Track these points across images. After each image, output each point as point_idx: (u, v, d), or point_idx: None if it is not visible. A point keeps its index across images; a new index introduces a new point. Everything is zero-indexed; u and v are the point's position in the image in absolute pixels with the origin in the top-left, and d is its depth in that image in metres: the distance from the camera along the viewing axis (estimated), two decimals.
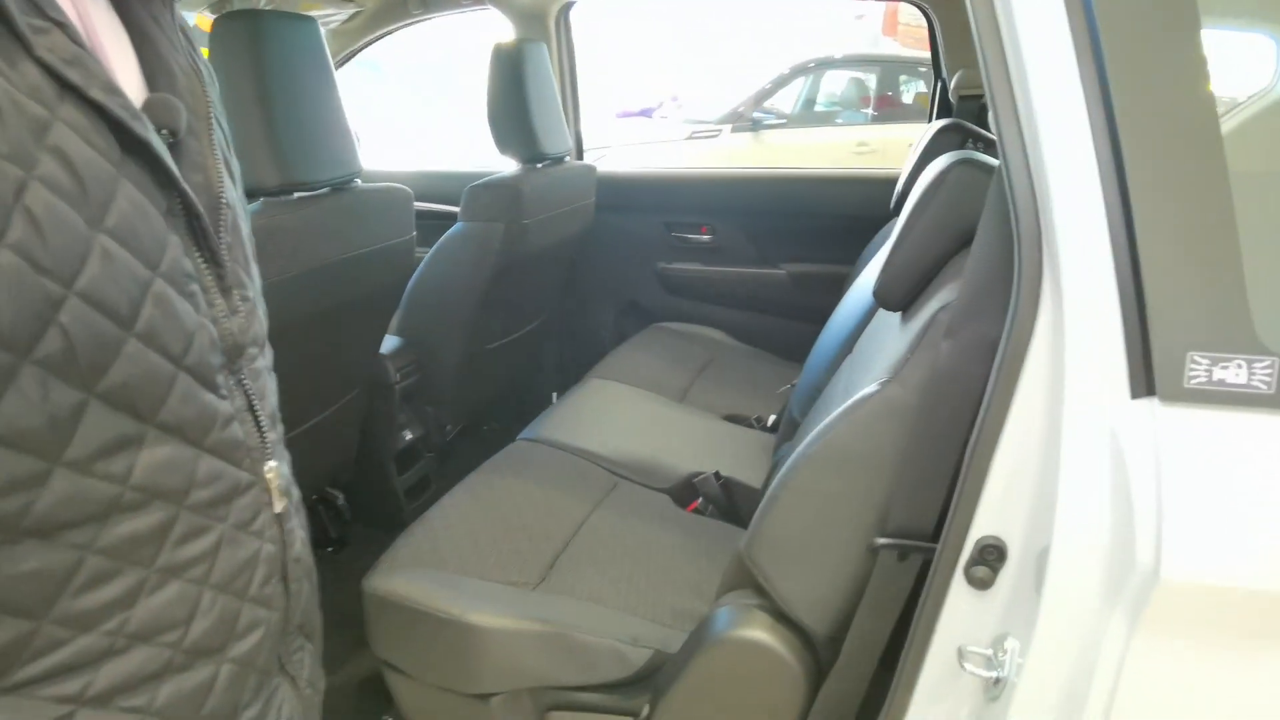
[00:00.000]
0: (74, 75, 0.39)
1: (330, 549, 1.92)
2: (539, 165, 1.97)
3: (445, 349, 1.95)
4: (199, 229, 0.47)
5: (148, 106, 0.47)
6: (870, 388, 0.90)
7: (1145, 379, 0.65)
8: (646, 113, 6.81)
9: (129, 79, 0.48)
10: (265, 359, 0.57)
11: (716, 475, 1.56)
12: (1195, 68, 0.64)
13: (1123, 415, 0.65)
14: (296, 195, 1.32)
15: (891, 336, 1.06)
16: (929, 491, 0.84)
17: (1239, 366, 0.63)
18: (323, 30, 2.29)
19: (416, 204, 2.48)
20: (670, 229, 2.43)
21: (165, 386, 0.45)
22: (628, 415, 1.81)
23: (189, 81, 0.52)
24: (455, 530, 1.31)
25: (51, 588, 0.43)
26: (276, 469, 0.56)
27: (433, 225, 2.09)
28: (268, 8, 2.01)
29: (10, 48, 0.37)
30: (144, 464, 0.44)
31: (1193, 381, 0.63)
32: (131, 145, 0.42)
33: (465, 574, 1.22)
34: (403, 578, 1.19)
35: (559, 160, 2.05)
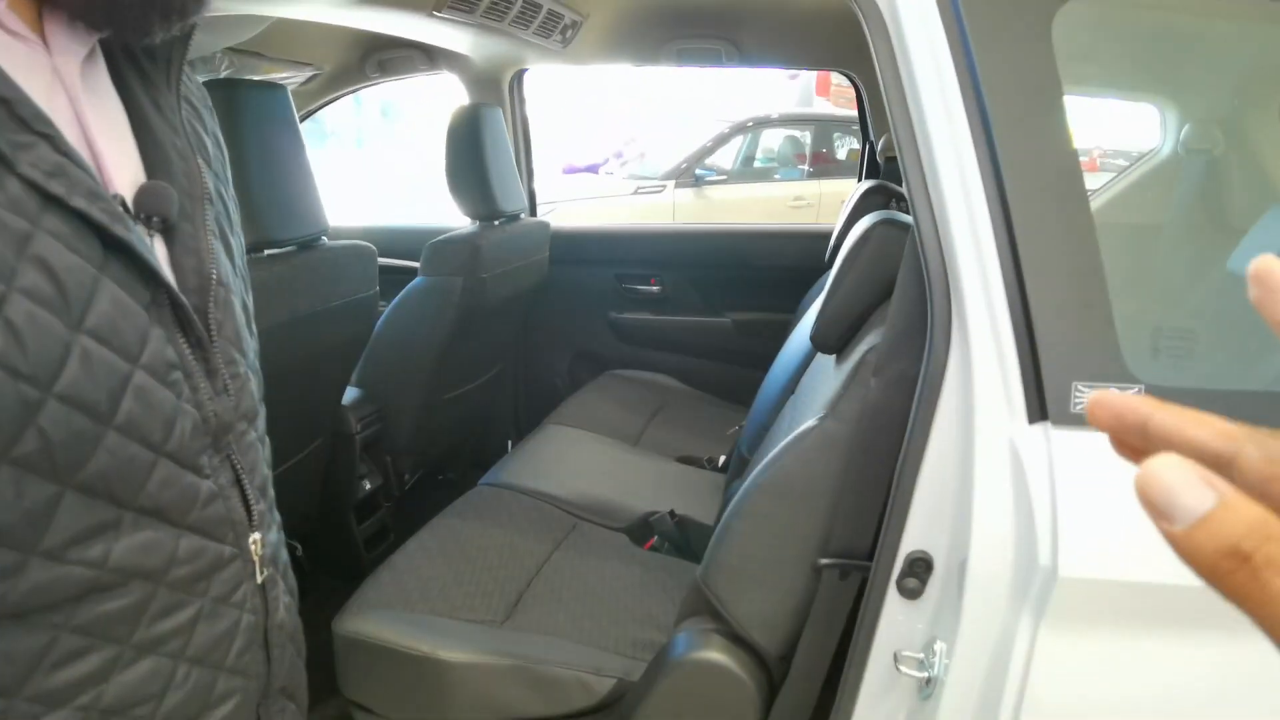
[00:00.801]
0: (56, 186, 0.40)
1: (288, 597, 1.93)
2: (496, 222, 2.06)
3: (405, 399, 2.00)
4: (183, 317, 0.48)
5: (140, 194, 0.49)
6: (810, 422, 1.00)
7: (1039, 405, 0.76)
8: (592, 168, 6.99)
9: (126, 166, 0.50)
10: (257, 430, 0.58)
11: (671, 514, 1.63)
12: (1060, 135, 0.76)
13: (1022, 437, 0.76)
14: (267, 253, 1.39)
15: (828, 376, 1.16)
16: (865, 513, 0.93)
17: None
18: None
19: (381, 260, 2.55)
20: (621, 280, 2.54)
21: (145, 473, 0.46)
22: (584, 459, 1.88)
23: (185, 164, 0.53)
24: (421, 572, 1.36)
25: (24, 667, 0.43)
26: (261, 539, 0.56)
27: (391, 280, 2.16)
28: (226, 72, 2.08)
29: None
30: (122, 548, 0.45)
31: (1077, 406, 0.75)
32: (114, 244, 0.43)
33: (433, 613, 1.27)
34: (372, 618, 1.24)
35: (514, 217, 2.15)
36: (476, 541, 1.47)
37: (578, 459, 1.88)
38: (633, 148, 6.96)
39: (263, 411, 0.61)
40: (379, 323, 1.96)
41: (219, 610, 0.53)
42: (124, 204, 0.48)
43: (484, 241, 1.95)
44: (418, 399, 2.01)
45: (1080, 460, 0.74)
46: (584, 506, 1.67)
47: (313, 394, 1.67)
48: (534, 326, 2.52)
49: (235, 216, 0.63)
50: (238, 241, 0.61)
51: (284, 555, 0.63)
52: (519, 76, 2.35)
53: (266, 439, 0.62)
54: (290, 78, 2.31)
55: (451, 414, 2.18)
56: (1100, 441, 0.22)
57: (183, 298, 0.48)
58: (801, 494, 0.98)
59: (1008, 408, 0.77)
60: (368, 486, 1.99)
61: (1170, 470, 0.19)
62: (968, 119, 0.77)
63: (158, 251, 0.50)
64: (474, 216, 2.04)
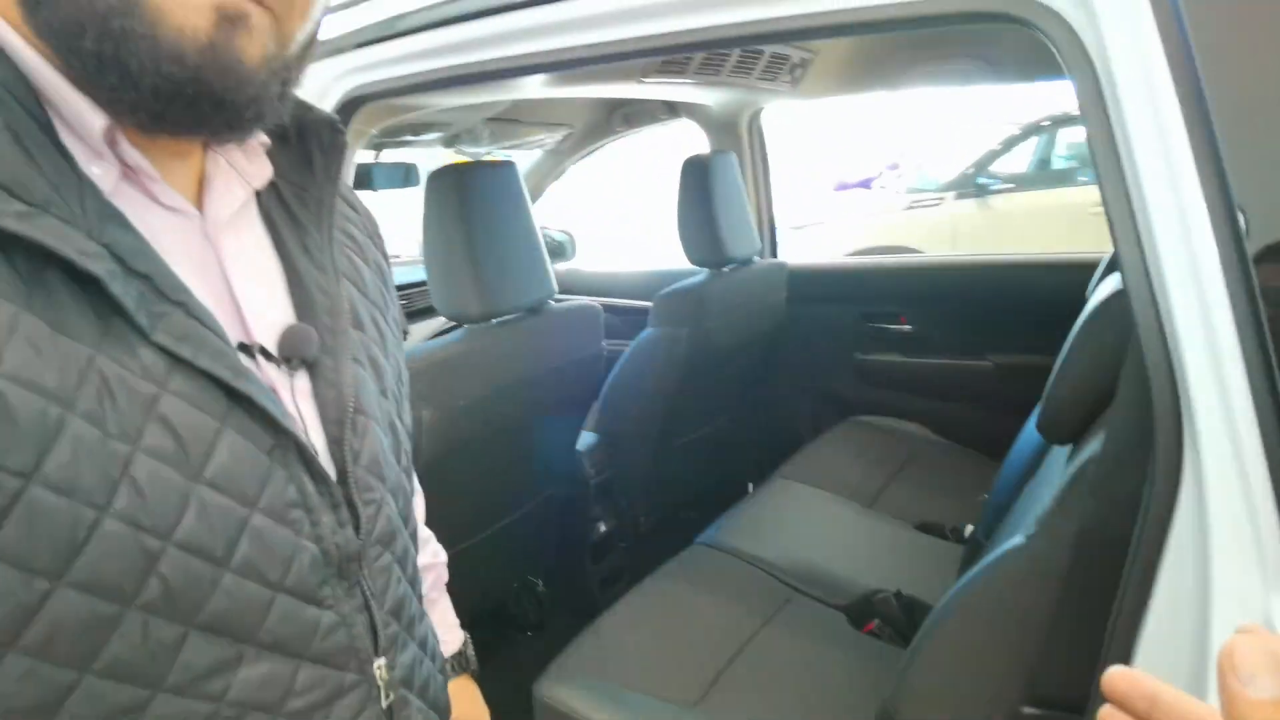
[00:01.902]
0: (184, 350, 0.44)
1: (530, 633, 2.05)
2: (725, 269, 2.04)
3: (638, 445, 2.04)
4: (306, 458, 0.50)
5: (284, 337, 0.53)
6: (1018, 539, 0.85)
7: None
8: (865, 184, 6.71)
9: (271, 310, 0.54)
10: (394, 551, 0.58)
11: (898, 595, 1.49)
12: None
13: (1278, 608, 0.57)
14: (495, 321, 1.48)
15: (1057, 472, 0.98)
16: (1077, 658, 0.77)
17: None
18: (539, 151, 2.55)
19: (614, 300, 2.65)
20: (867, 319, 2.38)
21: (263, 610, 0.47)
22: (810, 521, 1.79)
23: (330, 301, 0.56)
24: (623, 639, 1.37)
25: None
26: (389, 663, 0.56)
27: (634, 321, 2.23)
28: (488, 144, 2.28)
29: (129, 337, 0.43)
30: (241, 681, 0.47)
31: None
32: (238, 397, 0.46)
33: (628, 686, 1.27)
34: (567, 686, 1.26)
35: (747, 262, 2.11)
36: (682, 609, 1.45)
37: (803, 521, 1.79)
38: (909, 159, 6.58)
39: (407, 529, 0.62)
40: (613, 371, 2.02)
41: None
42: (263, 350, 0.52)
43: (710, 291, 1.93)
44: (650, 445, 2.04)
45: None
46: (802, 577, 1.58)
47: (544, 445, 1.76)
48: (774, 368, 2.45)
49: (393, 336, 0.67)
50: (393, 362, 0.65)
51: (427, 667, 0.63)
52: (755, 117, 2.31)
53: (411, 554, 0.63)
54: (545, 139, 2.48)
55: (686, 458, 2.18)
56: None
57: (305, 440, 0.50)
58: (1003, 624, 0.84)
59: (1260, 571, 0.59)
60: (603, 529, 2.06)
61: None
62: (1197, 170, 0.60)
63: (300, 385, 0.54)
64: (702, 264, 2.03)
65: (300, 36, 0.50)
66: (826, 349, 2.44)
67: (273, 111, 0.49)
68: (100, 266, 0.41)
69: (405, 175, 2.28)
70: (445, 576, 0.86)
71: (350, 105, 1.16)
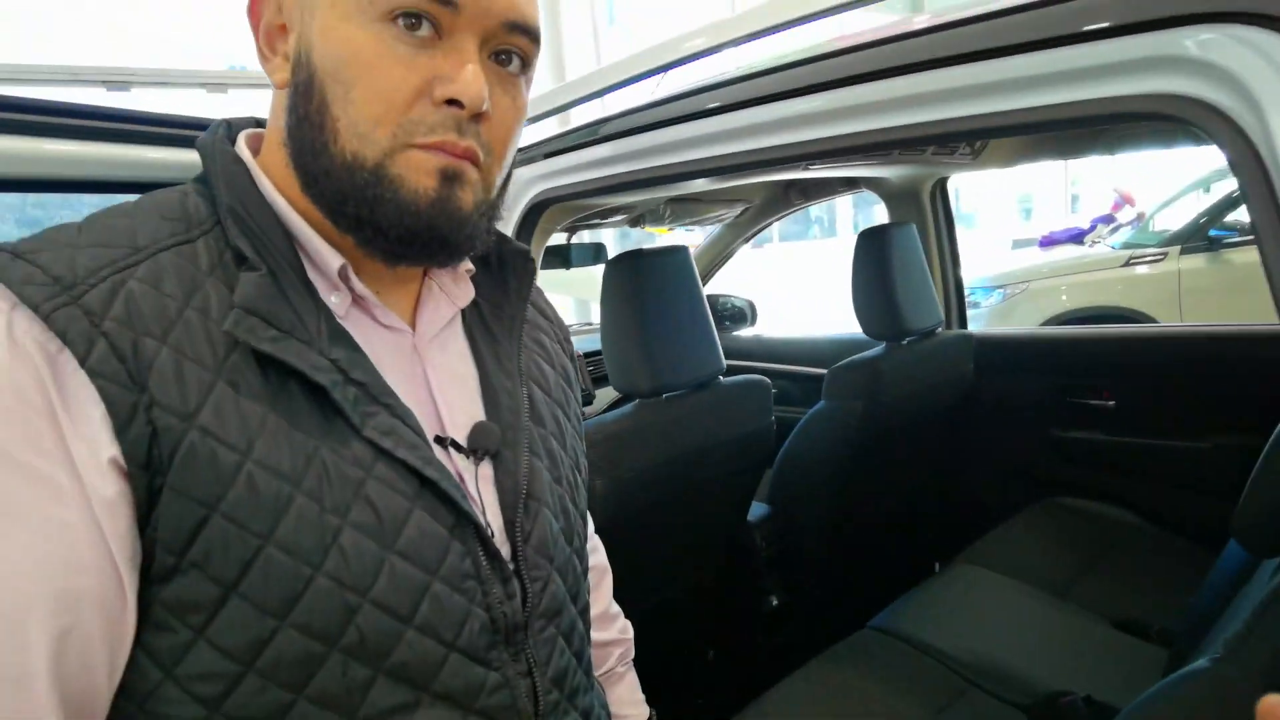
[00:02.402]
0: (387, 443, 0.55)
1: (700, 700, 2.07)
2: (904, 341, 2.00)
3: (811, 519, 2.03)
4: (481, 536, 0.59)
5: (472, 433, 0.63)
6: (1203, 662, 0.78)
7: None
8: (1077, 236, 6.26)
9: (465, 410, 0.64)
10: (558, 626, 0.65)
11: (1087, 699, 1.37)
12: None
13: None
14: (665, 396, 1.56)
15: (1259, 586, 0.89)
16: None
17: None
18: (718, 225, 2.64)
19: (793, 368, 2.66)
20: (1065, 393, 2.23)
21: (438, 664, 0.56)
22: (993, 610, 1.69)
23: (513, 402, 0.67)
24: None
25: None
26: None
27: (813, 388, 2.23)
28: (669, 222, 2.40)
29: (344, 431, 0.54)
30: None
31: None
32: (427, 482, 0.56)
33: None
34: None
35: (928, 334, 2.05)
36: (850, 696, 1.42)
37: (985, 610, 1.69)
38: (1128, 210, 6.07)
39: (576, 606, 0.69)
40: (787, 442, 2.03)
41: None
42: (454, 442, 0.62)
43: (887, 364, 1.90)
44: (825, 519, 2.02)
45: None
46: (981, 671, 1.50)
47: (713, 517, 1.80)
48: (960, 444, 2.34)
49: (573, 430, 0.76)
50: (570, 452, 0.74)
51: None
52: (940, 185, 2.27)
53: (579, 629, 0.70)
54: (724, 214, 2.57)
55: (863, 534, 2.13)
56: None
57: (482, 520, 0.60)
58: None
59: None
60: (774, 602, 2.05)
61: None
62: None
63: (484, 473, 0.64)
64: (879, 338, 2.00)
65: (500, 179, 0.62)
66: (1019, 424, 2.31)
67: (482, 242, 0.61)
68: (326, 378, 0.54)
69: (595, 254, 2.47)
70: (632, 652, 0.92)
71: (539, 207, 1.30)
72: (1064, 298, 5.17)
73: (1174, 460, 2.05)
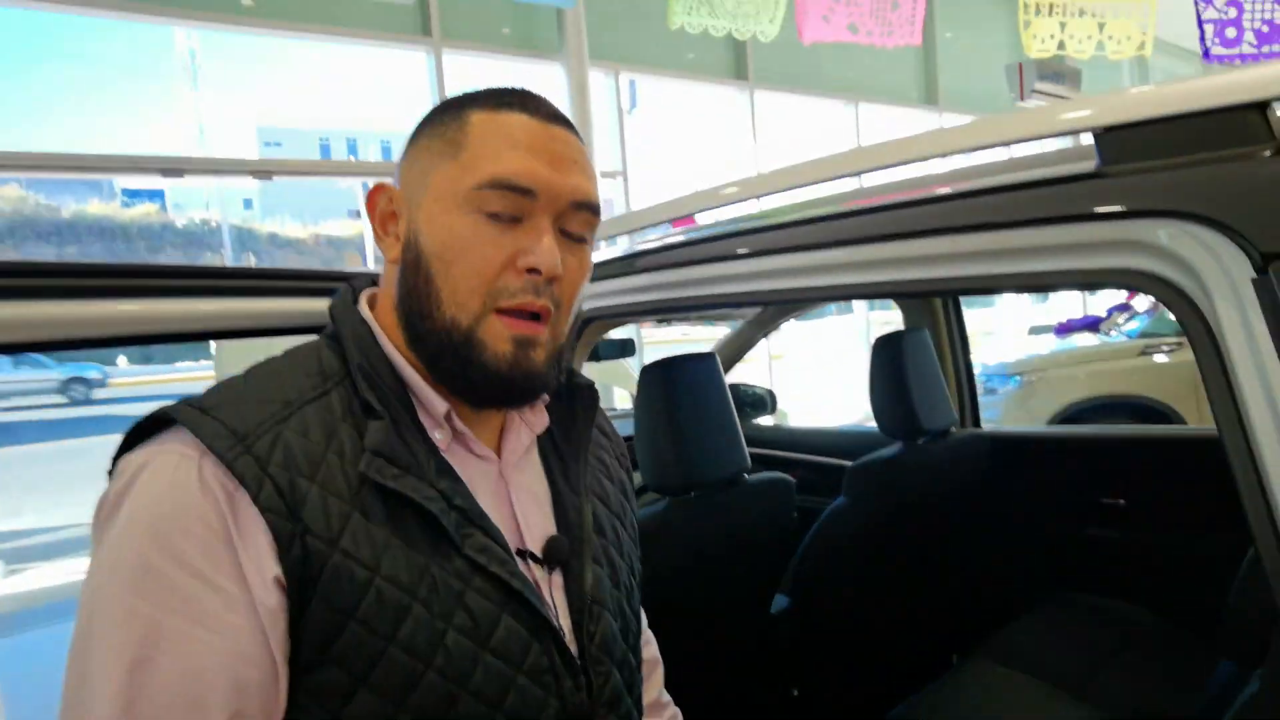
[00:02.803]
0: (482, 559, 0.66)
1: None
2: (920, 440, 2.10)
3: (832, 611, 2.09)
4: (556, 636, 0.70)
5: (546, 546, 0.74)
6: None
7: None
8: (1093, 324, 6.35)
9: (540, 525, 0.76)
10: (617, 713, 0.75)
11: None
12: None
13: None
14: (693, 493, 1.66)
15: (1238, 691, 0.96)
16: None
17: None
18: (740, 321, 2.77)
19: (809, 457, 2.74)
20: (1077, 490, 2.30)
21: None
22: (1009, 708, 1.73)
23: (579, 517, 0.78)
24: None
25: None
26: None
27: (835, 478, 2.31)
28: (696, 319, 2.53)
29: (449, 550, 0.66)
30: None
31: None
32: (513, 592, 0.67)
33: None
34: None
35: (943, 433, 2.15)
36: None
37: (1001, 707, 1.74)
38: (1142, 299, 6.17)
39: (631, 696, 0.80)
40: (807, 536, 2.11)
41: None
42: (533, 554, 0.74)
43: (903, 463, 1.99)
44: (844, 612, 2.08)
45: None
46: None
47: (737, 610, 1.87)
48: (976, 540, 2.41)
49: (627, 537, 0.87)
50: (626, 559, 0.85)
51: None
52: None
53: (634, 717, 0.80)
54: (747, 312, 2.71)
55: (882, 627, 2.18)
56: None
57: (556, 623, 0.71)
58: None
59: None
60: (795, 694, 2.10)
61: None
62: None
63: (556, 580, 0.75)
64: (895, 437, 2.10)
65: (567, 326, 0.76)
66: (1032, 520, 2.37)
67: (553, 383, 0.75)
68: (435, 506, 0.65)
69: (622, 348, 2.62)
70: None
71: (585, 322, 1.43)
72: (1080, 386, 5.24)
73: (1181, 558, 2.10)
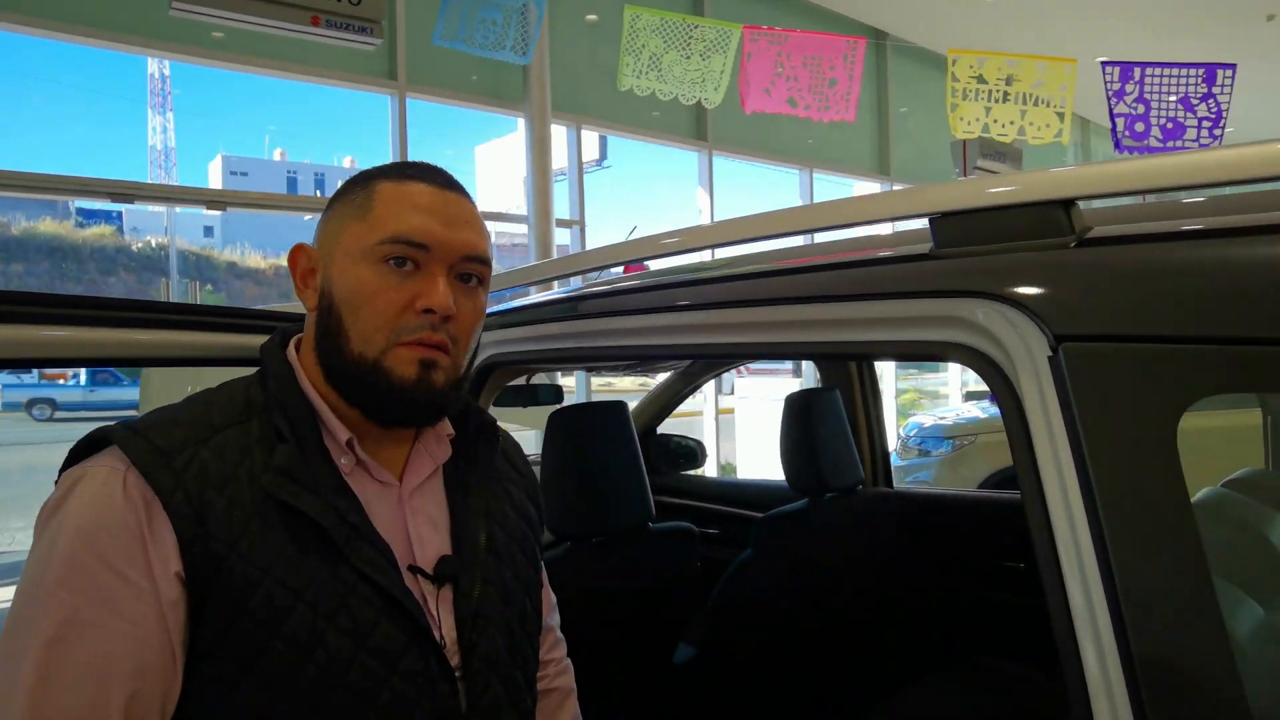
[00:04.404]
0: (367, 569, 0.74)
1: None
2: (826, 496, 2.16)
3: (736, 664, 2.12)
4: (433, 645, 0.77)
5: (438, 564, 0.81)
6: None
7: None
8: None
9: (434, 545, 0.83)
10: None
11: None
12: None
13: None
14: (595, 540, 1.69)
15: None
16: None
17: None
18: (669, 373, 2.83)
19: (717, 506, 2.79)
20: (986, 553, 2.38)
21: None
22: None
23: (472, 539, 0.85)
24: None
25: None
26: None
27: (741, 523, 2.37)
28: (624, 371, 2.59)
29: (336, 559, 0.74)
30: None
31: None
32: (395, 601, 0.75)
33: None
34: None
35: (849, 491, 2.22)
36: None
37: None
38: None
39: (516, 710, 0.85)
40: (716, 587, 2.15)
41: None
42: (423, 570, 0.81)
43: (808, 517, 2.05)
44: (749, 664, 2.11)
45: None
46: None
47: (639, 660, 1.89)
48: (883, 599, 2.46)
49: (525, 562, 0.93)
50: (520, 583, 0.91)
51: None
52: None
53: None
54: (674, 365, 2.78)
55: (787, 682, 2.21)
56: None
57: (437, 633, 0.78)
58: None
59: None
60: None
61: None
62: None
63: (444, 595, 0.82)
64: (803, 492, 2.16)
65: (465, 360, 0.85)
66: (938, 582, 2.44)
67: (453, 407, 0.86)
68: (328, 521, 0.74)
69: (556, 395, 2.67)
70: None
71: (489, 369, 1.48)
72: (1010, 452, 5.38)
73: None
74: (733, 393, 7.99)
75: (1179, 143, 4.33)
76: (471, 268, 0.82)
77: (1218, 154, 0.78)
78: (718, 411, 7.58)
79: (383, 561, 0.76)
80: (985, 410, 6.27)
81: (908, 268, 0.93)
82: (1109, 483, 0.72)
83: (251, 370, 0.86)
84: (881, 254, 0.97)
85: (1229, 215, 0.80)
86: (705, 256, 1.38)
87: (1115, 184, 0.83)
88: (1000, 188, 0.89)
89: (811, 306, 0.98)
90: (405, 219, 0.78)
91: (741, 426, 7.68)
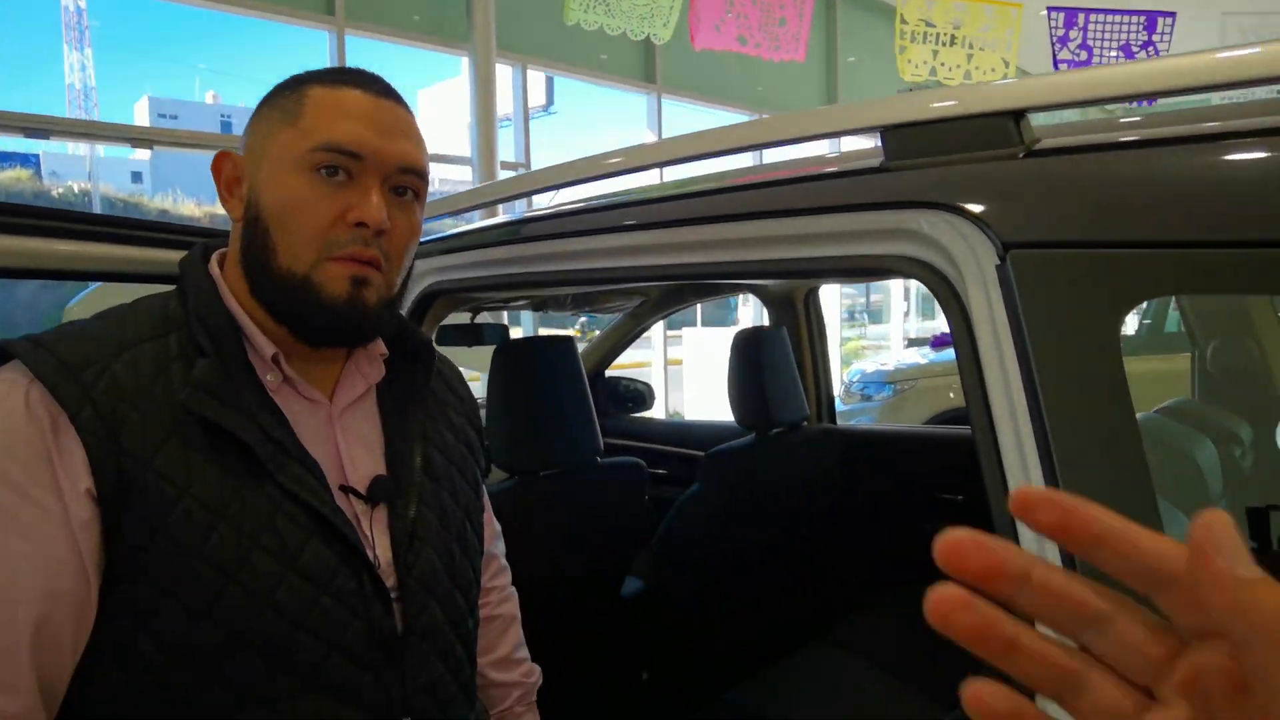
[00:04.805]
0: (294, 487, 0.71)
1: None
2: (772, 432, 2.18)
3: (682, 596, 2.15)
4: (367, 564, 0.74)
5: (371, 484, 0.79)
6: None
7: None
8: None
9: (367, 465, 0.80)
10: (434, 645, 0.79)
11: None
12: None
13: None
14: (543, 474, 1.68)
15: None
16: None
17: None
18: (618, 314, 2.81)
19: (665, 447, 2.81)
20: (919, 487, 2.44)
21: (323, 661, 0.71)
22: (842, 691, 1.83)
23: (407, 461, 0.82)
24: None
25: None
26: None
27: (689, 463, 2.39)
28: (571, 310, 2.56)
29: (263, 478, 0.71)
30: (304, 708, 0.70)
31: None
32: (325, 520, 0.72)
33: None
34: None
35: (795, 427, 2.24)
36: None
37: (834, 688, 1.83)
38: None
39: (455, 633, 0.83)
40: (663, 522, 2.16)
41: None
42: (355, 491, 0.78)
43: (756, 453, 2.07)
44: (695, 596, 2.14)
45: None
46: None
47: (587, 592, 1.91)
48: (825, 531, 2.52)
49: (464, 486, 0.91)
50: (460, 507, 0.88)
51: None
52: (812, 293, 2.51)
53: (456, 652, 0.84)
54: (623, 305, 2.75)
55: (732, 613, 2.26)
56: None
57: (371, 553, 0.76)
58: None
59: None
60: (645, 676, 2.14)
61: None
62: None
63: (379, 516, 0.79)
64: (749, 428, 2.18)
65: (399, 279, 0.81)
66: (878, 514, 2.50)
67: (385, 327, 0.82)
68: (250, 437, 0.70)
69: (501, 334, 2.62)
70: (533, 696, 1.07)
71: (430, 297, 1.43)
72: (950, 395, 5.53)
73: None
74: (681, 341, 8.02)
75: None
76: (407, 180, 0.78)
77: (1164, 63, 0.78)
78: (666, 362, 7.61)
79: (311, 479, 0.73)
80: (925, 356, 6.42)
81: (858, 181, 0.91)
82: (1054, 386, 0.73)
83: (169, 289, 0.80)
84: (831, 169, 0.95)
85: (1171, 126, 0.80)
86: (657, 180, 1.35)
87: (1064, 94, 0.82)
88: (950, 100, 0.87)
89: (761, 222, 0.97)
90: (337, 126, 0.74)
91: (690, 377, 7.73)
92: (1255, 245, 0.67)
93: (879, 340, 13.87)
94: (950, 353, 6.60)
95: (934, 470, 2.41)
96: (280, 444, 0.72)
